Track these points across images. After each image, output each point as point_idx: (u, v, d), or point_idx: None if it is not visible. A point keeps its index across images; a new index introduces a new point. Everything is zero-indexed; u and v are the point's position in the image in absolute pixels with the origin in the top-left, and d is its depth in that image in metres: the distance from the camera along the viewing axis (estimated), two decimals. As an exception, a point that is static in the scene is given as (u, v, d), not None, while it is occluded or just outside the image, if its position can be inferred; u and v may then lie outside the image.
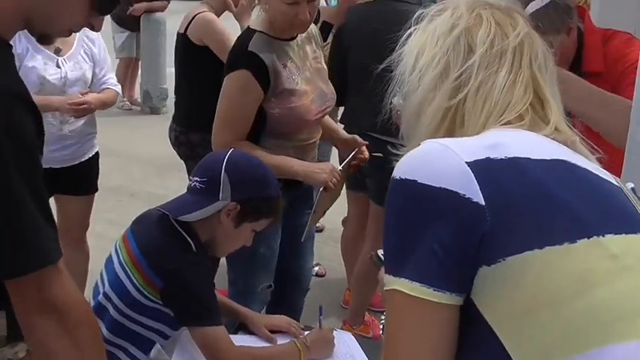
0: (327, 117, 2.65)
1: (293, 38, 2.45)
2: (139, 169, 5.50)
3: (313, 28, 2.59)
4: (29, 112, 1.20)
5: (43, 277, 1.19)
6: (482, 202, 0.91)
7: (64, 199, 3.12)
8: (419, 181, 0.94)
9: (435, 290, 0.92)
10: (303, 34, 2.49)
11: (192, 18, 3.26)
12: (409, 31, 1.15)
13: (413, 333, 0.94)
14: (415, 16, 1.15)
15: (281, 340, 2.04)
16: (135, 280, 1.81)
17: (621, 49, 2.08)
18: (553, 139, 1.03)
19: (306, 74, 2.45)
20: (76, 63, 2.98)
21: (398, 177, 0.97)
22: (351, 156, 2.60)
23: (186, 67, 3.36)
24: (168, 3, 7.30)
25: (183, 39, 3.30)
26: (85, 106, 2.96)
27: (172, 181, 5.04)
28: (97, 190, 3.32)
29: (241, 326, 2.09)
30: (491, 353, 0.92)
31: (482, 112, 1.04)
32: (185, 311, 1.82)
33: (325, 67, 2.60)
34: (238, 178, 1.87)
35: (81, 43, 2.98)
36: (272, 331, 2.06)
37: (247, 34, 2.43)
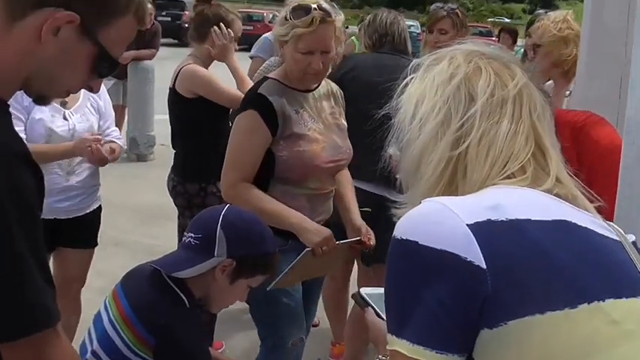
0: (347, 193, 2.64)
1: (309, 90, 2.49)
2: (126, 218, 5.43)
3: (335, 87, 2.63)
4: (30, 170, 1.17)
5: (40, 340, 1.15)
6: (484, 265, 0.90)
7: (65, 252, 3.07)
8: (420, 243, 0.93)
9: (436, 352, 0.91)
10: (322, 90, 2.52)
11: (179, 72, 3.29)
12: (406, 80, 1.15)
13: None
14: (411, 65, 1.15)
15: None
16: (125, 338, 1.75)
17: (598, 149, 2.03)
18: (555, 194, 1.03)
19: (320, 125, 2.46)
20: (82, 115, 2.97)
21: (399, 237, 0.96)
22: (353, 240, 2.53)
23: (179, 120, 3.38)
24: (157, 51, 7.34)
25: (173, 93, 3.33)
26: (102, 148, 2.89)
27: (159, 229, 4.98)
28: (97, 244, 3.27)
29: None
30: None
31: (485, 161, 1.04)
32: (177, 369, 1.76)
33: (345, 124, 2.60)
34: (234, 234, 1.83)
35: (87, 95, 2.97)
36: None
37: (261, 80, 2.50)
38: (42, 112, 2.80)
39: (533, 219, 0.96)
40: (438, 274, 0.92)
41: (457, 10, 3.77)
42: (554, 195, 1.03)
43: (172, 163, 3.49)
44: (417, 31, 20.74)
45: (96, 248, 4.95)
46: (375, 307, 1.30)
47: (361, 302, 1.34)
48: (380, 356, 1.22)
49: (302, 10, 2.34)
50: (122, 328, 1.76)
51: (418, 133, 1.08)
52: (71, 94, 2.64)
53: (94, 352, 1.80)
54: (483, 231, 0.92)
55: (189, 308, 1.80)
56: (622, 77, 2.06)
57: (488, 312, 0.90)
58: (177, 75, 3.30)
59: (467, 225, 0.93)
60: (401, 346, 0.92)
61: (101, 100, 3.08)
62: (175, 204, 3.43)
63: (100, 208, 3.20)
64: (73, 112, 2.94)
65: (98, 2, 1.20)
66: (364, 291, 1.36)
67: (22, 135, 2.69)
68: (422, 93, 1.10)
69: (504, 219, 0.94)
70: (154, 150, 7.40)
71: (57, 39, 1.17)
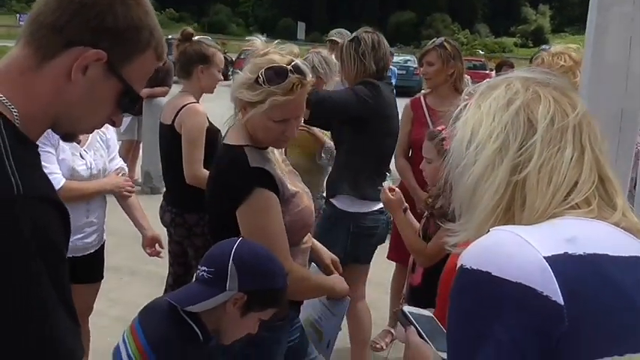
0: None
1: (266, 147, 2.19)
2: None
3: None
4: (56, 211, 1.15)
5: None
6: (561, 302, 0.82)
7: (77, 288, 3.01)
8: (493, 274, 0.85)
9: None
10: None
11: (180, 109, 3.29)
12: (459, 107, 1.08)
13: None
14: (465, 91, 1.10)
15: None
16: (142, 373, 1.70)
17: None
18: (623, 227, 0.94)
19: (287, 177, 2.19)
20: (96, 151, 2.95)
21: (468, 267, 0.87)
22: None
23: (174, 154, 3.34)
24: (170, 88, 7.35)
25: (169, 130, 3.33)
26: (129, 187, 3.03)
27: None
28: (103, 277, 3.24)
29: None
30: None
31: (547, 190, 0.95)
32: (193, 403, 1.70)
33: (293, 169, 2.36)
34: (246, 269, 1.78)
35: (96, 130, 2.92)
36: None
37: (236, 151, 2.09)
38: (64, 152, 2.79)
39: (610, 254, 0.88)
40: (511, 309, 0.83)
41: (445, 43, 3.73)
42: (621, 229, 0.95)
43: (167, 196, 3.48)
44: (414, 66, 20.81)
45: (112, 278, 4.94)
46: (418, 327, 1.23)
47: (404, 320, 1.27)
48: None
49: (276, 74, 1.99)
50: (139, 363, 1.71)
51: (474, 159, 1.01)
52: None
53: (112, 387, 1.75)
54: (561, 265, 0.85)
55: (203, 342, 1.75)
56: (623, 110, 2.02)
57: (562, 351, 0.82)
58: (177, 113, 3.29)
59: (544, 257, 0.85)
60: None
61: (109, 132, 3.05)
62: (174, 234, 3.42)
63: (104, 241, 3.19)
64: (87, 149, 2.92)
65: (123, 40, 1.19)
66: (407, 309, 1.30)
67: (56, 171, 2.68)
68: (479, 119, 1.03)
69: (582, 253, 0.87)
70: (166, 183, 7.38)
71: (85, 77, 1.17)
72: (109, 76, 1.19)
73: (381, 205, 3.39)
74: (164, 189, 7.48)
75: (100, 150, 2.97)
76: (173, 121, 3.30)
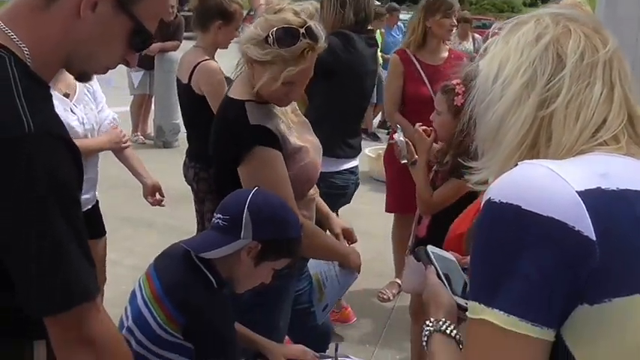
0: (319, 198, 2.40)
1: None
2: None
3: None
4: (69, 151, 1.14)
5: (81, 313, 1.14)
6: (593, 237, 0.79)
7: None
8: (523, 207, 0.81)
9: (532, 325, 0.80)
10: None
11: (195, 67, 3.16)
12: (486, 43, 1.03)
13: None
14: (492, 27, 1.05)
15: None
16: (157, 316, 1.71)
17: None
18: None
19: (294, 131, 2.13)
20: (85, 105, 2.84)
21: (497, 200, 0.83)
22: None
23: (196, 113, 3.21)
24: (180, 43, 7.29)
25: (187, 89, 3.20)
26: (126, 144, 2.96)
27: (185, 212, 4.93)
28: (105, 231, 3.22)
29: (259, 355, 2.00)
30: None
31: (575, 126, 0.91)
32: (206, 347, 1.72)
33: (305, 119, 2.31)
34: (260, 218, 1.76)
35: (82, 83, 2.77)
36: None
37: (237, 107, 2.03)
38: (56, 109, 2.70)
39: None
40: (541, 242, 0.80)
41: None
42: None
43: (189, 152, 3.40)
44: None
45: (128, 228, 4.98)
46: (437, 267, 1.22)
47: (425, 258, 1.25)
48: (427, 322, 1.11)
49: (288, 35, 1.90)
50: (154, 307, 1.72)
51: (501, 94, 0.96)
52: (69, 84, 2.59)
53: (128, 329, 1.77)
54: (593, 200, 0.81)
55: (217, 289, 1.76)
56: (634, 62, 2.00)
57: (591, 287, 0.80)
58: (192, 71, 3.17)
59: (576, 192, 0.81)
60: (492, 315, 0.81)
61: (95, 84, 2.91)
62: (197, 190, 3.35)
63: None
64: (76, 103, 2.81)
65: None
66: (430, 249, 1.27)
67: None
68: (506, 54, 0.98)
69: (615, 188, 0.83)
70: (178, 137, 7.36)
71: (95, 14, 1.15)
72: (119, 12, 1.17)
73: (352, 164, 3.33)
74: (176, 142, 7.53)
75: (89, 103, 2.86)
76: (189, 80, 3.18)
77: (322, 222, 2.46)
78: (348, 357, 2.04)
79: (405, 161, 2.85)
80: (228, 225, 1.78)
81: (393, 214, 4.14)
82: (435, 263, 1.23)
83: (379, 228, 5.11)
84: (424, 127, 2.77)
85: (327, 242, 2.28)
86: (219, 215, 1.81)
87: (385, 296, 4.19)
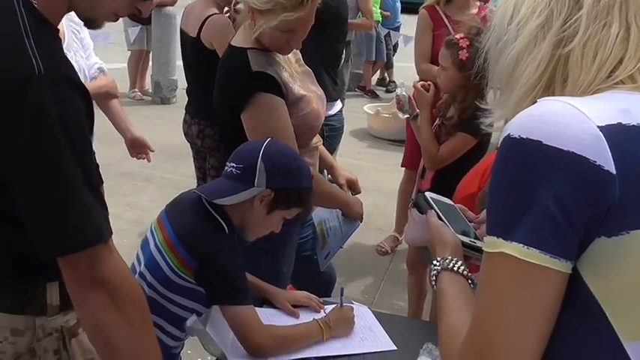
0: (322, 148, 2.41)
1: None
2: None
3: None
4: (79, 94, 1.13)
5: (94, 254, 1.15)
6: (614, 171, 0.79)
7: None
8: (544, 143, 0.81)
9: (551, 257, 0.80)
10: None
11: (204, 21, 3.10)
12: None
13: (520, 302, 0.82)
14: None
15: (303, 314, 1.98)
16: (170, 262, 1.72)
17: None
18: None
19: (297, 80, 2.15)
20: (75, 52, 2.74)
21: (516, 136, 0.83)
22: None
23: (203, 67, 3.14)
24: (178, -2, 7.18)
25: (195, 43, 3.13)
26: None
27: (183, 167, 4.95)
28: (102, 181, 3.17)
29: (266, 301, 2.03)
30: (595, 327, 0.83)
31: (592, 65, 0.90)
32: (218, 291, 1.73)
33: (309, 68, 2.31)
34: (274, 166, 1.77)
35: (70, 29, 2.70)
36: (294, 306, 2.00)
37: (239, 53, 2.06)
38: None
39: None
40: (562, 177, 0.80)
41: None
42: None
43: (192, 109, 3.35)
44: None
45: (127, 183, 4.98)
46: (438, 210, 1.23)
47: (424, 205, 1.26)
48: (434, 262, 1.12)
49: None
50: (167, 252, 1.73)
51: (516, 34, 0.95)
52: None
53: (141, 274, 1.78)
54: (614, 135, 0.81)
55: (229, 235, 1.76)
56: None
57: (610, 220, 0.80)
58: (202, 25, 3.10)
59: (597, 127, 0.81)
60: (511, 248, 0.81)
61: (83, 31, 2.80)
62: (199, 146, 3.32)
63: None
64: (67, 49, 2.65)
65: None
66: (429, 194, 1.28)
67: None
68: None
69: (636, 124, 0.83)
70: (176, 93, 7.31)
71: None
72: None
73: (335, 110, 3.37)
74: (174, 99, 7.45)
75: (79, 50, 2.75)
76: (198, 34, 3.12)
77: (328, 171, 2.49)
78: (352, 302, 2.06)
79: (407, 116, 2.85)
80: (242, 173, 1.78)
81: (403, 169, 4.13)
82: (435, 207, 1.24)
83: (377, 183, 5.14)
84: (422, 82, 2.77)
85: (330, 190, 2.30)
86: (232, 164, 1.81)
87: (383, 249, 4.23)
